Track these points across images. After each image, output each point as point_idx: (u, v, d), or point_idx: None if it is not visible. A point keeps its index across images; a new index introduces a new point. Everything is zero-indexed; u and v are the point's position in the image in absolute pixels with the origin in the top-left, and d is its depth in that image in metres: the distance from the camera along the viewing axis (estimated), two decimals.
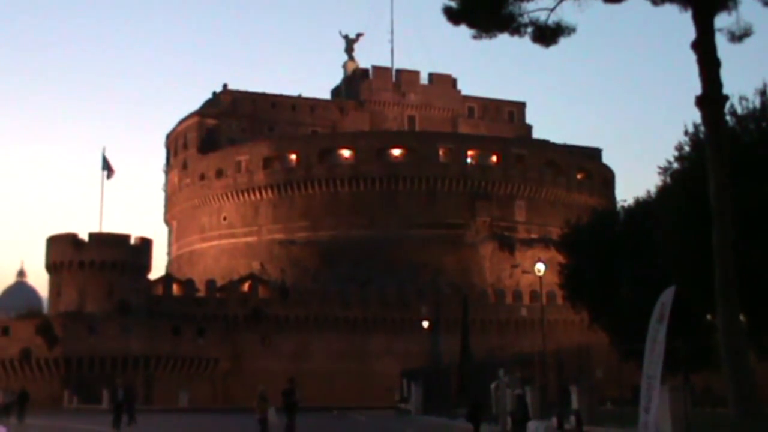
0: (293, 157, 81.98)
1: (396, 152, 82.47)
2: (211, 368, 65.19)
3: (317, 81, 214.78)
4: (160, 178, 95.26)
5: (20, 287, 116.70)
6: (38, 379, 60.97)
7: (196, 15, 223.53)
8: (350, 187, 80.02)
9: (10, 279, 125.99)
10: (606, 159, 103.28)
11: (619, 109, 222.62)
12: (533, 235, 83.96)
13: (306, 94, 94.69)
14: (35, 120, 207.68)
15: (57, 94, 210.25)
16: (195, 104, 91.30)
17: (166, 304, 68.06)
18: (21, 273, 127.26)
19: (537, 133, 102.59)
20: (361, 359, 70.33)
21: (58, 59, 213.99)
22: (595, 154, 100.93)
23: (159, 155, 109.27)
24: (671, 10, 24.84)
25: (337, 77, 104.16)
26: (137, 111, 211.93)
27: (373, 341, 71.18)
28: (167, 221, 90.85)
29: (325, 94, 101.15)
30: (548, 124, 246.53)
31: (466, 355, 64.22)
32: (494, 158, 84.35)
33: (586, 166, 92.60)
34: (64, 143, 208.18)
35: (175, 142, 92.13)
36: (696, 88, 24.29)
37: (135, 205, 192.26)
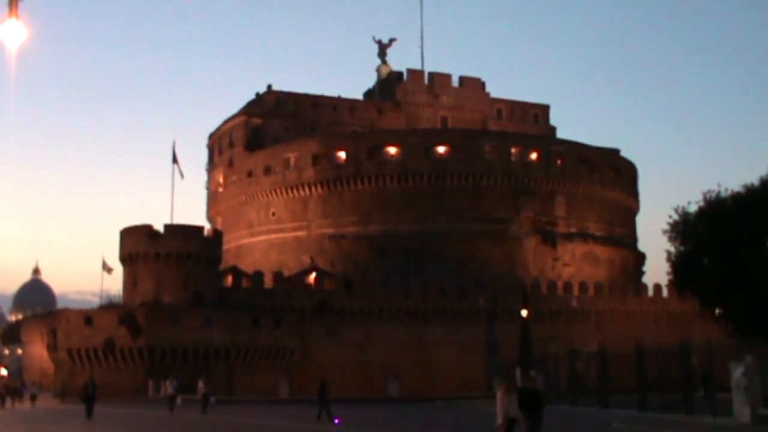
0: (341, 154, 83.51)
1: (441, 149, 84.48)
2: (287, 359, 66.28)
3: (351, 84, 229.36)
4: (203, 176, 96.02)
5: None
6: (122, 368, 61.56)
7: (240, 23, 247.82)
8: (399, 183, 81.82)
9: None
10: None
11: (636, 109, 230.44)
12: (572, 230, 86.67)
13: (341, 96, 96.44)
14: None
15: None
16: (235, 107, 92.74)
17: (235, 295, 69.00)
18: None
19: (561, 134, 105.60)
20: (422, 349, 71.95)
21: (126, 63, 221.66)
22: (614, 154, 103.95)
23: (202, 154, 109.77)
24: None
25: (369, 80, 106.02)
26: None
27: (433, 332, 72.82)
28: (210, 218, 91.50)
29: (358, 96, 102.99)
30: (571, 126, 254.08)
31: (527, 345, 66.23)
32: (534, 156, 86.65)
33: (615, 163, 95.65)
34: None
35: (219, 141, 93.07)
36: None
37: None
